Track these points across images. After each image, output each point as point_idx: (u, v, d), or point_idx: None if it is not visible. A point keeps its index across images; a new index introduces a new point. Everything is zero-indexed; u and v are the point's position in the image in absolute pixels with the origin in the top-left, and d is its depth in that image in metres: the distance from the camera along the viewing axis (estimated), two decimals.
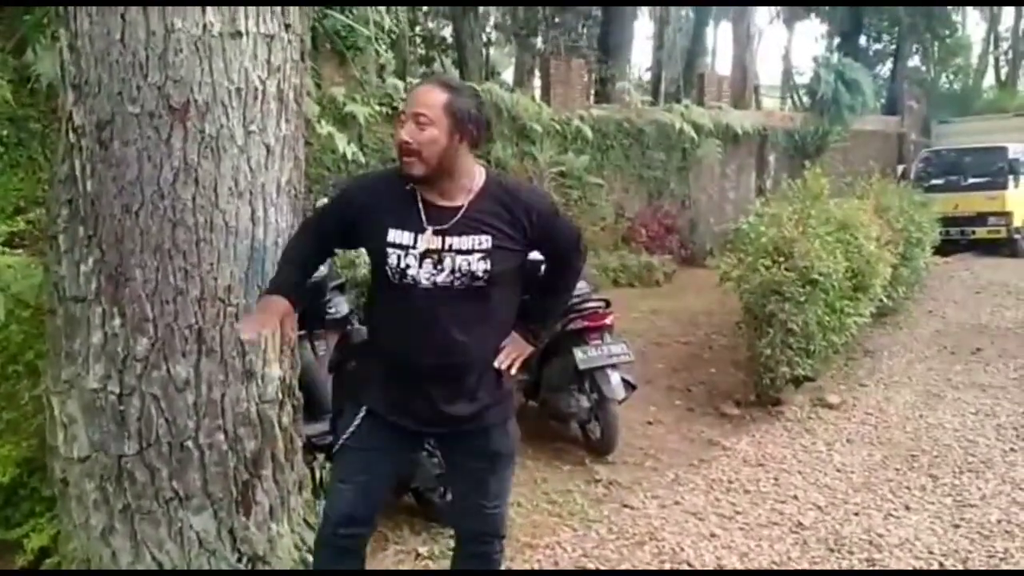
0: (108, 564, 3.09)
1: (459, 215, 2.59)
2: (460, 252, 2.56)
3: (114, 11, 2.80)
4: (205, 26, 2.87)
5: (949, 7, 28.02)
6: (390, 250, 2.58)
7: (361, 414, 2.73)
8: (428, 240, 2.56)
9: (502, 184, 2.70)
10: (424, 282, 2.57)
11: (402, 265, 2.57)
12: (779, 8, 28.99)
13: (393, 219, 2.60)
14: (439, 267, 2.55)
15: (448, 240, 2.56)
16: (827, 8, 26.86)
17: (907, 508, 4.47)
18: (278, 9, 3.06)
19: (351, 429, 2.75)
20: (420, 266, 2.56)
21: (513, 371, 2.79)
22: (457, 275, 2.56)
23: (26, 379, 3.53)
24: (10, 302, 3.59)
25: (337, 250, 3.74)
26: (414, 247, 2.56)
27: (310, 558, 3.36)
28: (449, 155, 2.57)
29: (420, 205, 2.60)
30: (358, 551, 2.85)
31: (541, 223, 2.66)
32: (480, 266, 2.56)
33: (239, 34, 2.94)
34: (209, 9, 2.87)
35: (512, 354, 2.76)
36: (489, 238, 2.57)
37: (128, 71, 2.83)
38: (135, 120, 2.85)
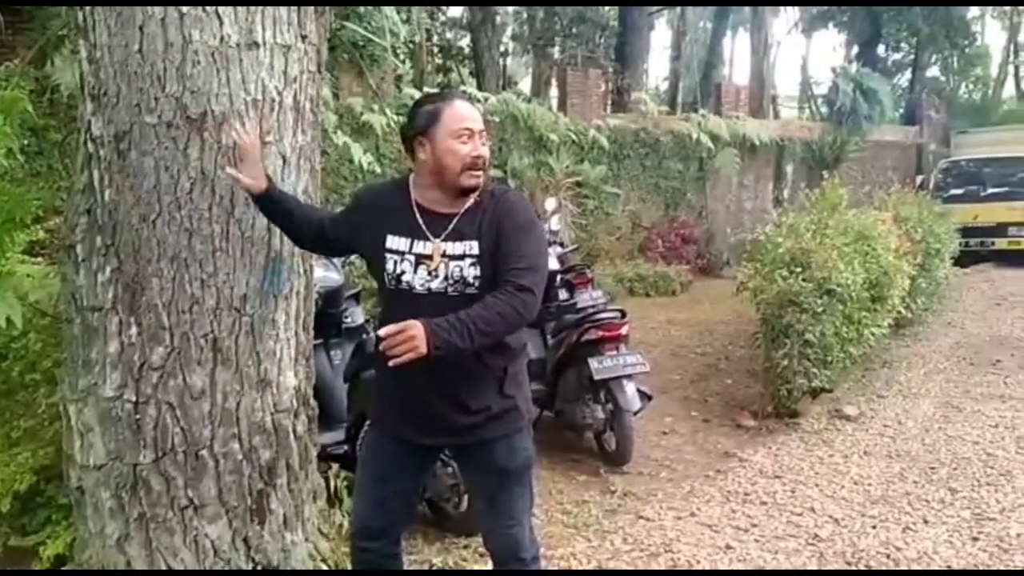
0: None
1: (454, 221, 2.61)
2: (452, 258, 2.57)
3: (133, 23, 2.83)
4: (222, 37, 2.89)
5: (968, 16, 27.89)
6: (388, 255, 2.61)
7: (366, 426, 2.73)
8: (423, 246, 2.59)
9: (488, 189, 2.69)
10: (419, 287, 2.58)
11: (398, 270, 2.60)
12: (797, 17, 28.96)
13: (392, 226, 2.63)
14: (433, 273, 2.57)
15: (442, 246, 2.58)
16: (846, 17, 26.81)
17: (925, 521, 4.42)
18: (295, 20, 3.08)
19: (359, 441, 2.75)
20: (415, 271, 2.58)
21: (394, 362, 2.29)
22: (450, 281, 2.57)
23: (44, 387, 3.55)
24: (28, 311, 3.61)
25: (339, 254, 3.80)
26: (409, 252, 2.59)
27: (324, 568, 3.38)
28: None
29: (417, 212, 2.63)
30: (381, 563, 2.85)
31: (500, 224, 2.57)
32: (471, 272, 2.56)
33: (256, 45, 2.96)
34: (226, 20, 2.88)
35: (401, 339, 2.27)
36: (476, 243, 2.57)
37: (146, 82, 2.86)
38: (153, 130, 2.88)
